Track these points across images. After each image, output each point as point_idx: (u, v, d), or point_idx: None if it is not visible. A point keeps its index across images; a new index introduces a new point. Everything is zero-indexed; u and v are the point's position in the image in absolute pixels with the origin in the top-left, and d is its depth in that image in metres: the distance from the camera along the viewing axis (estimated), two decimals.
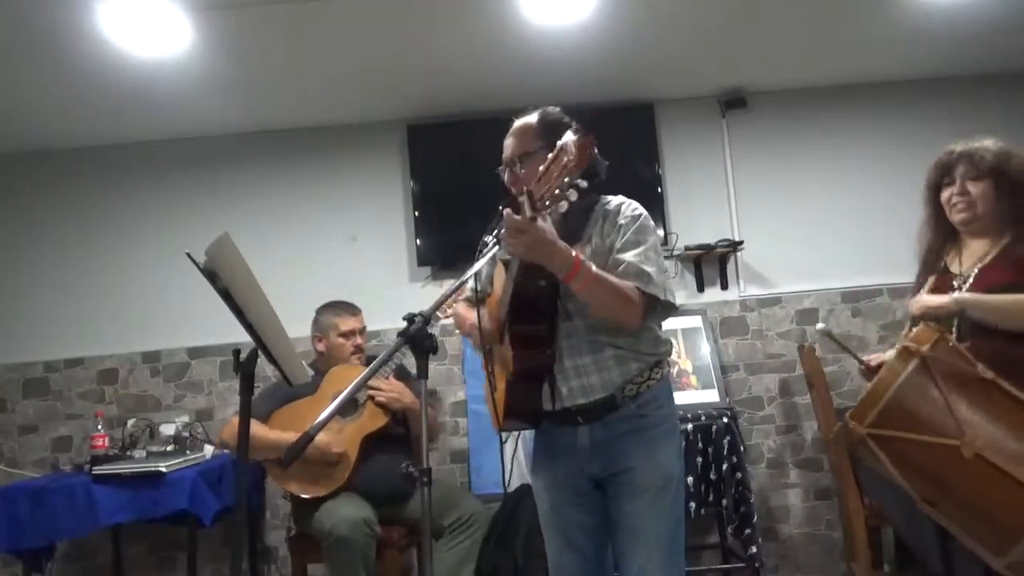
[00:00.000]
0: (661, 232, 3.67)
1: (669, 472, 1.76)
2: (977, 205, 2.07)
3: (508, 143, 1.89)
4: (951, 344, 1.80)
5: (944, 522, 1.80)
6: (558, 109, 1.91)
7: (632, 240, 1.76)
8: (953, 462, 1.67)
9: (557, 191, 1.43)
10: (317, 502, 2.79)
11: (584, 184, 1.45)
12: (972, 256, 2.11)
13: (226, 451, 3.14)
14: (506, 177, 1.89)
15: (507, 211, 1.54)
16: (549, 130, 1.79)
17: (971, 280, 2.05)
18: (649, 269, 1.72)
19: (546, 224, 1.56)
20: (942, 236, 2.19)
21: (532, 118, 1.89)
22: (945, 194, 2.15)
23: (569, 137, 1.44)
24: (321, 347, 3.13)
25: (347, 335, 3.08)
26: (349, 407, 2.90)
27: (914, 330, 1.83)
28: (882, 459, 1.78)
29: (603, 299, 1.68)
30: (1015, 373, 1.77)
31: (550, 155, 1.46)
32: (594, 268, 1.64)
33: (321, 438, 2.73)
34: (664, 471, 1.76)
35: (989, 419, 1.68)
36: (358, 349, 3.10)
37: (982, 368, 1.73)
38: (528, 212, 1.50)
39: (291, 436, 2.75)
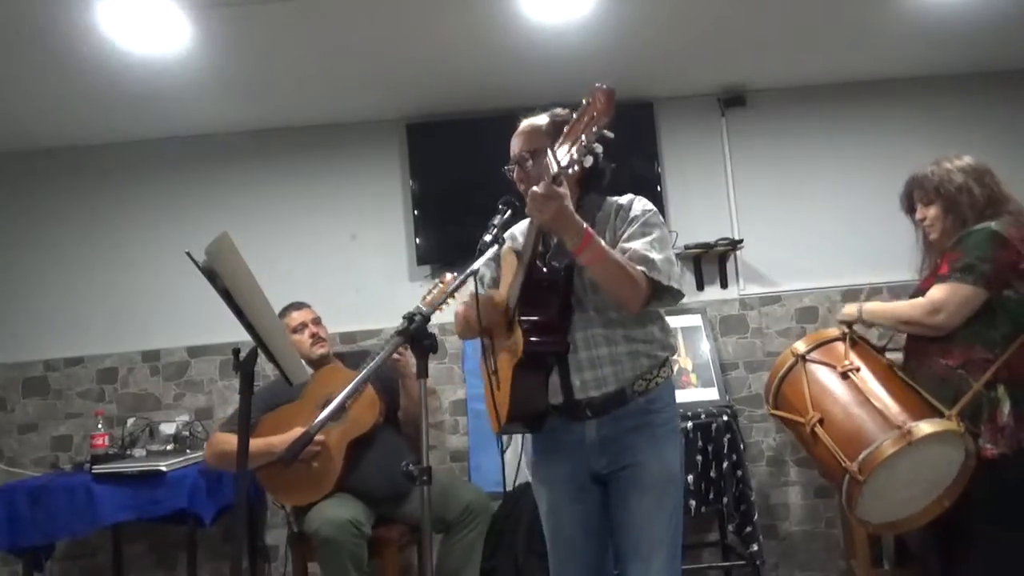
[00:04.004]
0: None
1: (673, 472, 1.78)
2: (934, 227, 2.22)
3: (515, 143, 1.89)
4: (849, 342, 2.19)
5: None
6: (567, 110, 1.90)
7: (639, 232, 1.78)
8: (805, 434, 2.12)
9: (584, 142, 1.44)
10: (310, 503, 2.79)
11: (611, 135, 1.46)
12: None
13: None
14: (515, 174, 1.89)
15: (533, 189, 1.57)
16: (558, 130, 1.79)
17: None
18: (654, 256, 1.72)
19: (567, 191, 1.58)
20: (926, 244, 2.32)
21: (541, 119, 1.89)
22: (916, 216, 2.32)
23: (596, 86, 1.45)
24: None
25: (298, 329, 3.05)
26: (334, 411, 2.86)
27: (816, 332, 2.35)
28: (791, 434, 2.29)
29: (611, 275, 1.68)
30: (925, 374, 2.09)
31: (575, 113, 1.48)
32: (603, 243, 1.65)
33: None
34: (669, 470, 1.77)
35: (839, 403, 2.08)
36: (316, 338, 3.06)
37: (842, 363, 2.12)
38: (554, 168, 1.51)
39: (275, 440, 2.76)
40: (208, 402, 3.73)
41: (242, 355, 1.76)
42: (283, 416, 2.86)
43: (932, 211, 2.21)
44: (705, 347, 3.62)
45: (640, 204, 1.84)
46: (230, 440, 2.72)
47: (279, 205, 3.82)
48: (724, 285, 3.81)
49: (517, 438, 3.47)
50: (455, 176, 3.70)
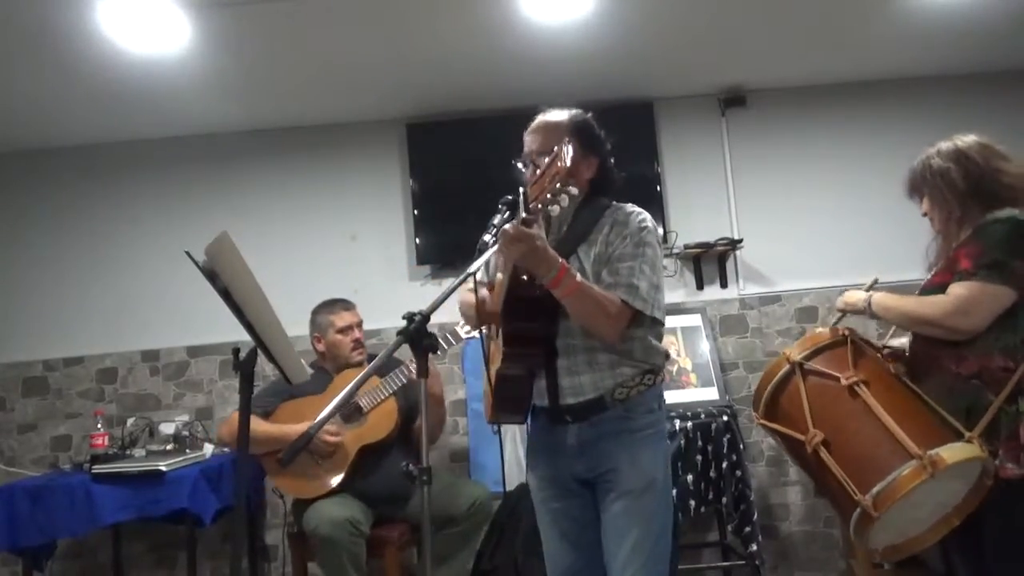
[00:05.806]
0: (661, 231, 3.66)
1: (652, 476, 1.75)
2: (933, 220, 2.05)
3: (530, 138, 1.88)
4: (853, 349, 1.94)
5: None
6: (589, 114, 1.89)
7: (630, 253, 1.76)
8: (804, 454, 1.89)
9: (549, 195, 1.47)
10: (311, 500, 2.80)
11: (575, 191, 1.48)
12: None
13: (226, 449, 3.15)
14: (527, 172, 1.88)
15: (506, 224, 1.58)
16: (576, 135, 1.79)
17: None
18: (639, 283, 1.73)
19: (538, 231, 1.57)
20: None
21: (562, 117, 1.87)
22: None
23: (566, 147, 1.47)
24: (321, 347, 3.10)
25: (345, 331, 3.06)
26: (354, 414, 2.91)
27: (816, 331, 2.05)
28: (780, 446, 2.08)
29: (583, 309, 1.69)
30: (936, 369, 1.90)
31: (546, 159, 1.50)
32: (579, 278, 1.65)
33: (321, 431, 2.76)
34: (646, 475, 1.75)
35: (846, 423, 1.84)
36: (358, 343, 3.08)
37: (847, 375, 1.87)
38: (522, 213, 1.53)
39: (289, 429, 2.78)
40: (208, 402, 3.73)
41: (242, 355, 1.76)
42: (303, 406, 2.86)
43: (924, 203, 2.06)
44: (705, 347, 3.62)
45: (637, 220, 1.81)
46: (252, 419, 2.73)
47: (279, 205, 3.82)
48: (724, 285, 3.81)
49: (518, 438, 3.48)
50: (455, 176, 3.71)
